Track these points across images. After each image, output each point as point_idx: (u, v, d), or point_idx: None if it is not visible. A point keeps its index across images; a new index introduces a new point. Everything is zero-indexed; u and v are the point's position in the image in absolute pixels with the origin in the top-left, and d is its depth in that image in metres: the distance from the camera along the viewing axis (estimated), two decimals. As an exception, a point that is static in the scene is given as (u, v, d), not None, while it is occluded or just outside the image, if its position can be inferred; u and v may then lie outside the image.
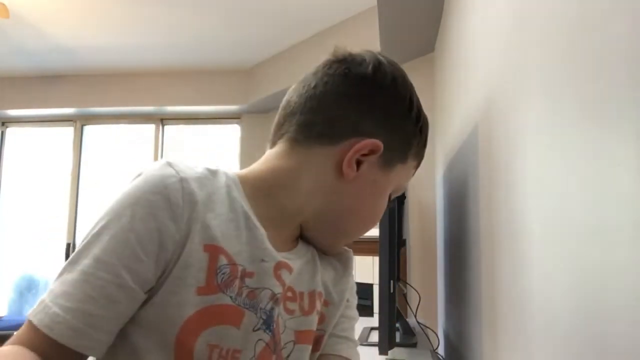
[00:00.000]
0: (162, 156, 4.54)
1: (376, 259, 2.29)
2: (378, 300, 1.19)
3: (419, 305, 1.87)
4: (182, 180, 0.53)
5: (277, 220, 0.60)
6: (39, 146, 4.73)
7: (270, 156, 0.63)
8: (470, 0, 1.31)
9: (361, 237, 0.68)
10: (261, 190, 0.60)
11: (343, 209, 0.63)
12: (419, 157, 0.67)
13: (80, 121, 4.63)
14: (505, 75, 0.88)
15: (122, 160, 4.55)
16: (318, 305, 0.63)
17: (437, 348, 1.66)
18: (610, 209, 0.43)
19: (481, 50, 1.15)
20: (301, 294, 0.62)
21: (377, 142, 0.60)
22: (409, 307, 2.01)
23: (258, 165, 0.63)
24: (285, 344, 0.59)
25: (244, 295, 0.54)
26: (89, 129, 4.69)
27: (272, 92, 3.81)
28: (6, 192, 4.70)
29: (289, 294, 0.60)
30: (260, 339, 0.55)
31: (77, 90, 4.38)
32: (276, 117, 0.66)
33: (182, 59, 4.06)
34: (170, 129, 4.61)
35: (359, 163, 0.60)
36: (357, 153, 0.59)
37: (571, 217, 0.53)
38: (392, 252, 1.20)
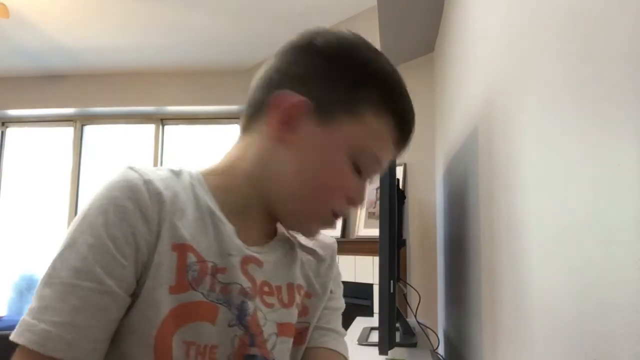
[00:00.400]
0: (162, 156, 4.54)
1: (376, 259, 2.29)
2: (378, 300, 1.19)
3: (419, 305, 1.87)
4: (147, 182, 0.53)
5: (244, 212, 0.60)
6: (39, 146, 4.72)
7: (230, 149, 0.65)
8: (471, 0, 1.31)
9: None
10: (222, 184, 0.61)
11: (295, 176, 0.59)
12: (386, 108, 0.59)
13: (80, 121, 4.63)
14: (505, 76, 0.88)
15: (122, 160, 4.54)
16: (297, 298, 0.64)
17: (437, 348, 1.66)
18: (611, 209, 0.43)
19: (481, 50, 1.15)
20: (278, 287, 0.62)
21: (294, 95, 0.57)
22: (409, 307, 2.02)
23: (220, 159, 0.64)
24: (269, 336, 0.59)
25: (217, 290, 0.55)
26: (89, 129, 4.69)
27: (272, 92, 3.80)
28: (6, 192, 4.70)
29: (266, 288, 0.60)
30: (236, 335, 0.55)
31: (77, 90, 4.38)
32: None
33: (182, 59, 4.06)
34: (170, 129, 4.61)
35: (294, 126, 0.58)
36: (278, 110, 0.58)
37: (571, 217, 0.53)
38: (392, 252, 1.20)
